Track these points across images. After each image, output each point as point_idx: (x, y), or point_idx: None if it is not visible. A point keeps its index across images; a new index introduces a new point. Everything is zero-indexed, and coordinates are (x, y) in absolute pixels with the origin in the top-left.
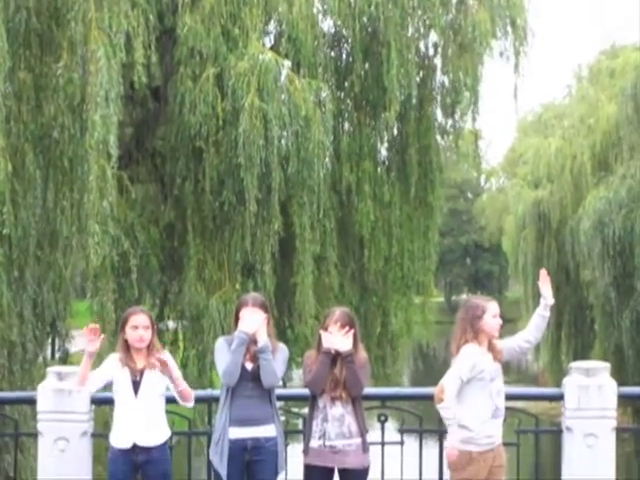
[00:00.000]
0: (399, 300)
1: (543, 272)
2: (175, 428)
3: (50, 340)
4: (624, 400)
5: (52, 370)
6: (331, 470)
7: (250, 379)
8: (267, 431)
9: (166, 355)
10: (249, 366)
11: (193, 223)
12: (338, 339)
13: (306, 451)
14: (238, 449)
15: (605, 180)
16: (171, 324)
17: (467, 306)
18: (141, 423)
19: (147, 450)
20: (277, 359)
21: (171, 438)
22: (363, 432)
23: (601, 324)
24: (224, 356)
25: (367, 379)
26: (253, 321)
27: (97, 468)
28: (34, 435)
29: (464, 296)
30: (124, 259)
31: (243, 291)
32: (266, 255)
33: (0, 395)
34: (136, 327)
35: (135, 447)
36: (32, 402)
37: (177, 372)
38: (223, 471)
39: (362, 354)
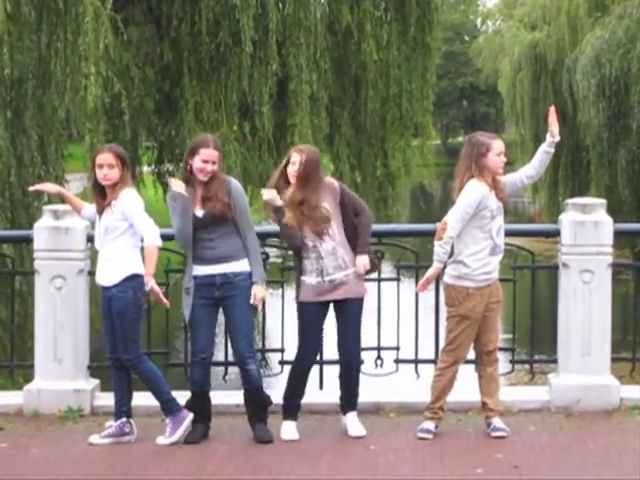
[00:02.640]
0: (397, 141)
1: (552, 108)
2: (171, 265)
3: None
4: (621, 240)
5: (48, 208)
6: (327, 304)
7: (205, 224)
8: (235, 267)
9: (127, 193)
10: (200, 213)
11: (189, 65)
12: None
13: (301, 288)
14: (204, 285)
15: (602, 20)
16: (170, 166)
17: (471, 143)
18: (101, 262)
19: (107, 289)
20: (231, 195)
21: (167, 274)
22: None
23: (597, 164)
24: (174, 218)
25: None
26: (178, 185)
27: (93, 308)
28: (30, 273)
29: (460, 139)
30: (117, 101)
31: (240, 132)
32: (264, 96)
33: None
34: (101, 166)
35: (101, 286)
36: (29, 240)
37: (133, 212)
38: (187, 312)
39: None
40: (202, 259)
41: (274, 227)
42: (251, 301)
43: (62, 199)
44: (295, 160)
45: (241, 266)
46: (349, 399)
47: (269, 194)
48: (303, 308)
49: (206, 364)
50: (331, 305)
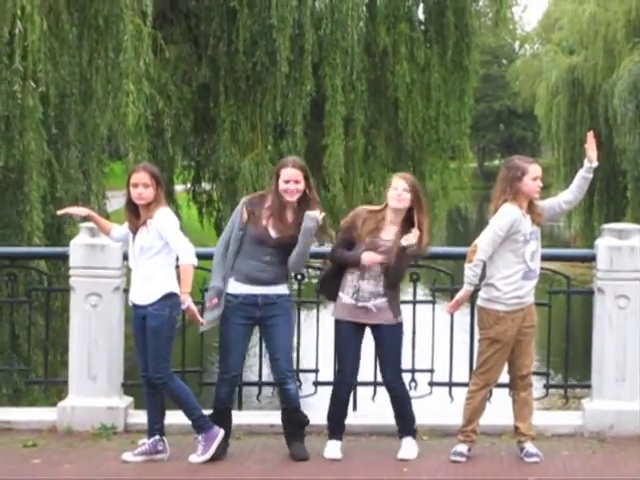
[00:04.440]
0: (435, 163)
1: (590, 134)
2: (206, 284)
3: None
4: None
5: (84, 226)
6: (362, 325)
7: (272, 245)
8: (278, 290)
9: (162, 212)
10: (274, 234)
11: (226, 84)
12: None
13: (336, 305)
14: (246, 304)
15: (639, 46)
16: (206, 186)
17: (508, 166)
18: (136, 281)
19: (142, 307)
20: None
21: (203, 293)
22: (396, 292)
23: (633, 190)
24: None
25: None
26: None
27: (128, 326)
28: (66, 290)
29: (497, 162)
30: (158, 119)
31: (275, 152)
32: (297, 116)
33: (33, 250)
34: (136, 185)
35: (135, 305)
36: (65, 257)
37: (168, 231)
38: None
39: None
40: (248, 278)
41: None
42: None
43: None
44: (398, 186)
45: (283, 289)
46: (399, 423)
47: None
48: (339, 326)
49: (234, 382)
50: (368, 329)
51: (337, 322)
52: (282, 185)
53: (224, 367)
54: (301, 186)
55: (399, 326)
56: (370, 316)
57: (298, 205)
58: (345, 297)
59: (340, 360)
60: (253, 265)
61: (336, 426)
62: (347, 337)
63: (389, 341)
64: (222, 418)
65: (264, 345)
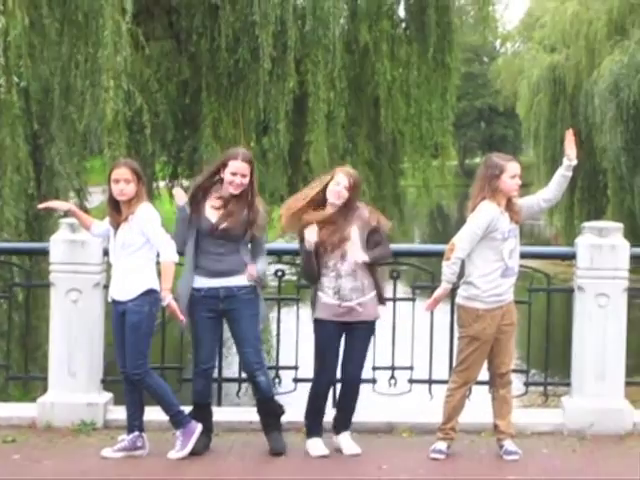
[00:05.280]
0: (417, 161)
1: (569, 132)
2: None
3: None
4: (636, 263)
5: (65, 221)
6: (343, 323)
7: (219, 237)
8: (239, 281)
9: (143, 208)
10: (220, 225)
11: (208, 80)
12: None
13: (317, 305)
14: (209, 297)
15: (621, 44)
16: (185, 182)
17: (486, 164)
18: (116, 276)
19: (122, 303)
20: (258, 216)
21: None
22: (378, 283)
23: (614, 189)
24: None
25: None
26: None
27: (108, 322)
28: (46, 286)
29: (478, 160)
30: (138, 115)
31: (259, 149)
32: (280, 113)
33: (13, 246)
34: (117, 180)
35: (114, 300)
36: (45, 253)
37: (150, 227)
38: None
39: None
40: (208, 271)
41: (289, 244)
42: (246, 276)
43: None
44: (341, 182)
45: (244, 280)
46: (346, 419)
47: (311, 234)
48: (320, 326)
49: (208, 375)
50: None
51: (317, 321)
52: (228, 177)
53: (196, 361)
54: (246, 180)
55: (374, 323)
56: (354, 315)
57: (239, 196)
58: (325, 297)
59: (321, 358)
60: (209, 258)
61: (314, 425)
62: (330, 336)
63: (364, 337)
64: (202, 413)
65: (231, 338)
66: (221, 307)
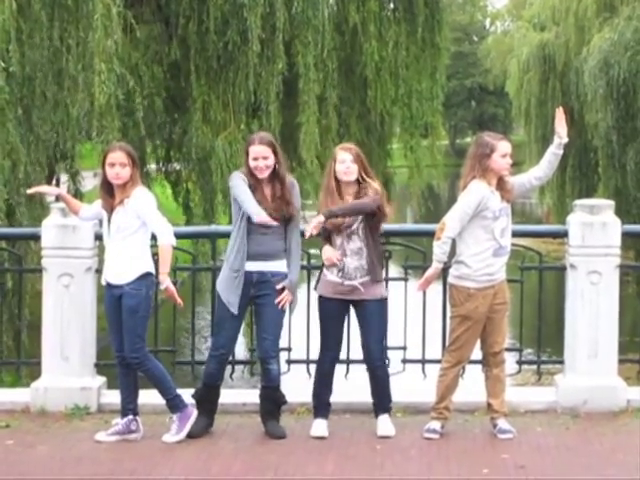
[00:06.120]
0: (408, 141)
1: (560, 110)
2: (179, 264)
3: (55, 181)
4: (627, 241)
5: (56, 206)
6: (346, 302)
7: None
8: (275, 266)
9: (139, 191)
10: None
11: (197, 63)
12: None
13: (321, 282)
14: (245, 282)
15: (610, 22)
16: (177, 165)
17: (477, 143)
18: (111, 260)
19: (118, 287)
20: (292, 195)
21: (175, 273)
22: (378, 265)
23: (605, 166)
24: (247, 195)
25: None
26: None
27: (100, 306)
28: (38, 271)
29: (468, 139)
30: (129, 98)
31: (248, 131)
32: (271, 95)
33: (4, 231)
34: (113, 164)
35: (109, 284)
36: (36, 238)
37: (147, 211)
38: (234, 308)
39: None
40: (249, 254)
41: None
42: (276, 300)
43: (77, 199)
44: (345, 158)
45: (279, 266)
46: (379, 402)
47: (330, 254)
48: (322, 303)
49: (223, 360)
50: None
51: (321, 298)
52: (252, 163)
53: (214, 344)
54: (270, 162)
55: (384, 301)
56: (357, 293)
57: (272, 179)
58: (329, 275)
59: (324, 335)
60: (252, 239)
61: (321, 404)
62: (332, 313)
63: (376, 317)
64: (210, 395)
65: (254, 320)
66: (252, 292)
